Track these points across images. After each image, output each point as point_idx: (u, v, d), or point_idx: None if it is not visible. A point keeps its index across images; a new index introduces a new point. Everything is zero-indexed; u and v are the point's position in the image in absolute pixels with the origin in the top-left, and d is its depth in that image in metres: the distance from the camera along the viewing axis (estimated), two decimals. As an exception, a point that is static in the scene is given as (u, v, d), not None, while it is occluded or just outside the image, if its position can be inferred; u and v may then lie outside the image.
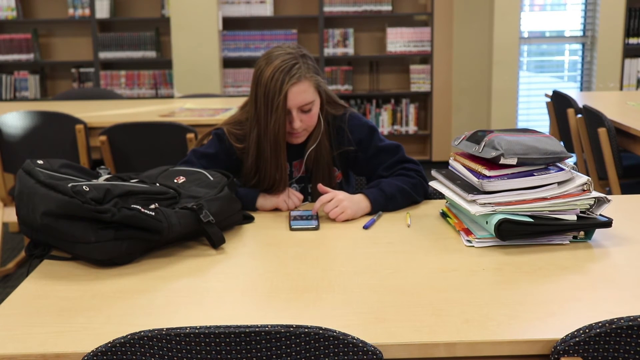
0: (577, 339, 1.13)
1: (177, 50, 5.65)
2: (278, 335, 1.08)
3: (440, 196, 2.00)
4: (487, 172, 1.63)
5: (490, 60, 5.89)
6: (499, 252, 1.58)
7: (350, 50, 6.01)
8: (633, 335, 1.13)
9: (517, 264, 1.51)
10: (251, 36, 5.94)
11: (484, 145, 1.67)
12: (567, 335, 1.14)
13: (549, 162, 1.66)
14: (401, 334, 1.19)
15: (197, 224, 1.62)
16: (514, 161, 1.61)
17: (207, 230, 1.62)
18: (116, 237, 1.50)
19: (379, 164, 2.04)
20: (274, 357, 1.10)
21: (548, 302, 1.30)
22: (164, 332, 1.08)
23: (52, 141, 3.48)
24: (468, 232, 1.67)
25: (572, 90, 6.18)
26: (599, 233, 1.65)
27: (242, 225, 1.81)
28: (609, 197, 1.64)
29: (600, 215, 1.64)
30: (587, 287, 1.38)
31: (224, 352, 1.09)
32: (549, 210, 1.62)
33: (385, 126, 6.14)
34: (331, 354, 1.10)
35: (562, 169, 1.66)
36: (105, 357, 1.08)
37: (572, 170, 1.67)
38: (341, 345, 1.09)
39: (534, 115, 6.23)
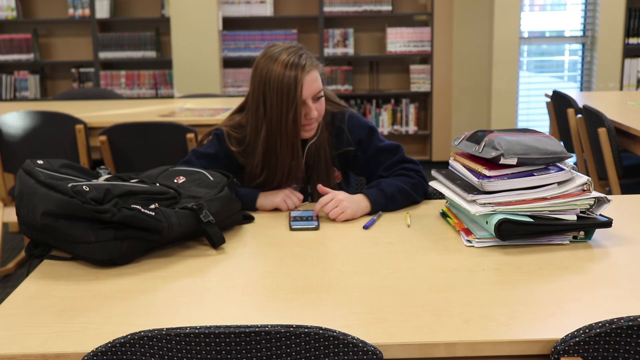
0: (577, 339, 1.13)
1: (177, 50, 5.65)
2: (278, 335, 1.08)
3: (440, 196, 2.00)
4: (487, 172, 1.63)
5: (490, 60, 5.89)
6: (499, 252, 1.58)
7: (350, 50, 6.01)
8: (633, 335, 1.13)
9: (517, 264, 1.51)
10: (251, 36, 5.94)
11: (484, 145, 1.67)
12: (567, 335, 1.14)
13: (549, 162, 1.66)
14: (401, 334, 1.19)
15: (197, 224, 1.62)
16: (514, 161, 1.61)
17: (207, 230, 1.62)
18: (116, 237, 1.50)
19: (379, 164, 2.04)
20: (274, 357, 1.10)
21: (548, 302, 1.30)
22: (164, 332, 1.08)
23: (52, 141, 3.48)
24: (468, 232, 1.67)
25: (572, 90, 6.18)
26: (599, 233, 1.65)
27: (242, 225, 1.81)
28: (609, 197, 1.64)
29: (600, 215, 1.64)
30: (587, 287, 1.38)
31: (224, 352, 1.09)
32: (549, 210, 1.62)
33: (385, 126, 6.14)
34: (331, 354, 1.10)
35: (562, 169, 1.66)
36: (105, 357, 1.08)
37: (572, 170, 1.67)
38: (341, 345, 1.09)
39: (534, 115, 6.23)
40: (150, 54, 5.92)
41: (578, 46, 6.18)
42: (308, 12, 6.00)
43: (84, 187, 1.51)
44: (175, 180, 1.79)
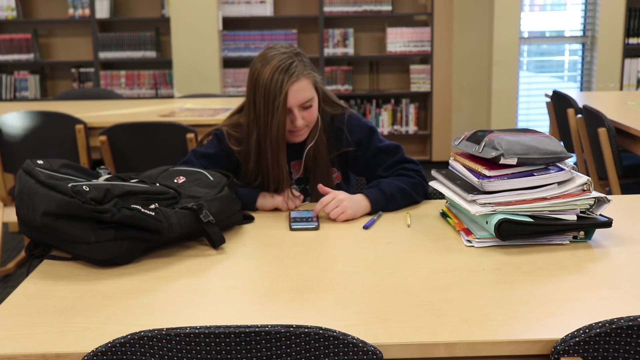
0: (577, 339, 1.13)
1: (177, 50, 5.65)
2: (278, 335, 1.08)
3: (440, 196, 2.00)
4: (487, 172, 1.63)
5: (490, 60, 5.89)
6: (499, 252, 1.58)
7: (350, 50, 6.01)
8: (633, 335, 1.13)
9: (517, 264, 1.51)
10: (251, 36, 5.94)
11: (484, 145, 1.67)
12: (567, 335, 1.14)
13: (549, 162, 1.66)
14: (401, 334, 1.19)
15: (197, 224, 1.62)
16: (514, 161, 1.61)
17: (207, 230, 1.62)
18: (116, 237, 1.50)
19: (379, 165, 2.04)
20: (274, 357, 1.10)
21: (548, 302, 1.30)
22: (164, 332, 1.08)
23: (52, 141, 3.48)
24: (468, 232, 1.67)
25: (572, 90, 6.18)
26: (599, 233, 1.65)
27: (242, 225, 1.81)
28: (609, 197, 1.64)
29: (600, 215, 1.64)
30: (587, 287, 1.38)
31: (224, 352, 1.09)
32: (549, 210, 1.62)
33: (385, 126, 6.14)
34: (331, 354, 1.10)
35: (562, 169, 1.66)
36: (105, 357, 1.08)
37: (572, 170, 1.67)
38: (341, 345, 1.09)
39: (534, 115, 6.23)
40: (150, 54, 5.92)
41: (578, 46, 6.18)
42: (308, 12, 6.01)
43: (84, 187, 1.51)
44: (175, 180, 1.79)
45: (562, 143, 3.26)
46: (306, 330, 1.08)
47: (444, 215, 1.84)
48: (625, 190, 3.43)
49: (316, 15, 5.92)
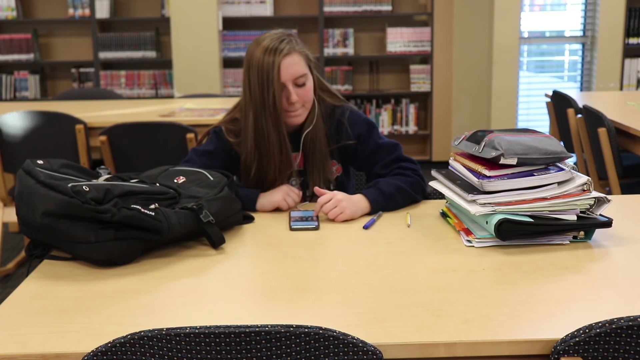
0: (577, 339, 1.13)
1: (177, 50, 5.65)
2: (278, 335, 1.08)
3: (440, 196, 2.00)
4: (487, 172, 1.63)
5: (490, 60, 5.89)
6: (499, 252, 1.58)
7: (350, 50, 6.01)
8: (633, 335, 1.13)
9: (517, 264, 1.51)
10: (251, 36, 5.94)
11: (484, 145, 1.67)
12: (567, 335, 1.14)
13: (549, 162, 1.66)
14: (401, 334, 1.19)
15: (197, 224, 1.62)
16: (514, 161, 1.61)
17: (207, 230, 1.62)
18: (116, 237, 1.50)
19: (377, 162, 2.05)
20: (274, 357, 1.10)
21: (548, 302, 1.30)
22: (164, 332, 1.08)
23: (52, 141, 3.48)
24: (468, 232, 1.67)
25: (572, 90, 6.18)
26: (599, 233, 1.65)
27: (242, 225, 1.81)
28: (609, 197, 1.64)
29: (600, 215, 1.64)
30: (587, 287, 1.38)
31: (224, 352, 1.09)
32: (549, 210, 1.62)
33: (385, 126, 6.14)
34: (331, 354, 1.10)
35: (562, 169, 1.66)
36: (105, 357, 1.08)
37: (572, 170, 1.67)
38: (341, 345, 1.09)
39: (534, 115, 6.23)
40: (150, 54, 5.92)
41: (578, 46, 6.18)
42: (308, 12, 6.00)
43: (83, 187, 1.51)
44: (175, 180, 1.79)
45: (562, 143, 3.26)
46: (306, 330, 1.08)
47: (444, 215, 1.84)
48: (625, 190, 3.43)
49: (316, 15, 5.92)
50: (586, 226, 1.62)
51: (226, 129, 2.06)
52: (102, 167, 1.78)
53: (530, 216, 1.61)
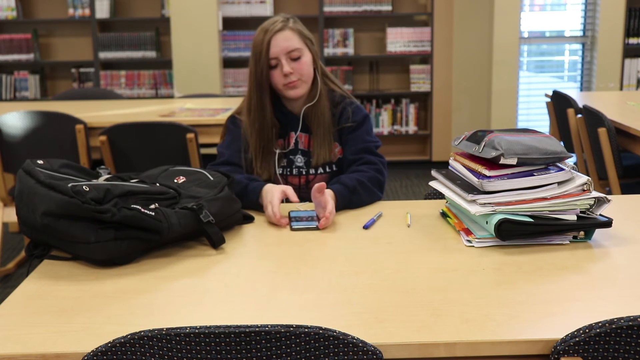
0: (577, 339, 1.13)
1: (177, 50, 5.65)
2: (278, 335, 1.08)
3: (440, 196, 2.00)
4: (487, 172, 1.63)
5: (490, 60, 5.89)
6: (499, 252, 1.58)
7: (350, 50, 6.01)
8: (633, 335, 1.13)
9: (517, 264, 1.51)
10: (251, 36, 5.91)
11: (484, 145, 1.67)
12: (567, 335, 1.14)
13: (549, 162, 1.66)
14: (401, 334, 1.19)
15: (197, 224, 1.62)
16: (514, 161, 1.61)
17: (207, 230, 1.62)
18: (116, 237, 1.50)
19: (352, 146, 2.13)
20: (274, 357, 1.10)
21: (548, 302, 1.30)
22: (164, 332, 1.08)
23: (52, 141, 3.48)
24: (468, 232, 1.67)
25: (572, 90, 6.18)
26: (599, 233, 1.65)
27: (242, 225, 1.81)
28: (609, 197, 1.64)
29: (600, 215, 1.64)
30: (587, 287, 1.38)
31: (224, 352, 1.09)
32: (549, 210, 1.62)
33: (385, 126, 6.14)
34: (331, 354, 1.10)
35: (562, 169, 1.66)
36: (105, 357, 1.08)
37: (572, 170, 1.67)
38: (341, 345, 1.09)
39: (534, 115, 6.23)
40: (150, 54, 5.93)
41: (578, 46, 6.18)
42: (308, 12, 6.01)
43: (84, 187, 1.51)
44: (175, 180, 1.79)
45: (562, 143, 3.26)
46: (306, 330, 1.08)
47: (444, 215, 1.84)
48: (625, 190, 3.43)
49: (316, 15, 5.92)
50: (586, 226, 1.62)
51: (237, 113, 2.19)
52: (102, 167, 1.78)
53: (530, 216, 1.61)
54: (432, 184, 1.89)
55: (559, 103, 4.17)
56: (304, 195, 2.16)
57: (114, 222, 1.50)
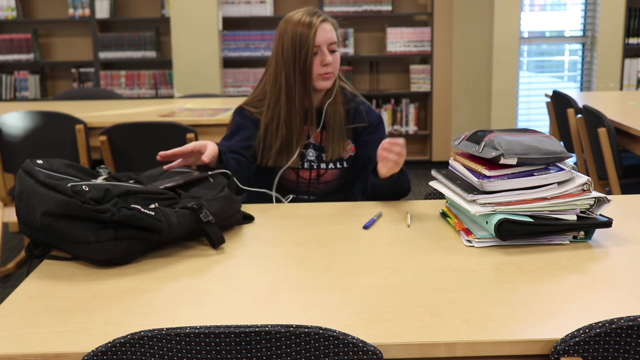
0: (577, 339, 1.13)
1: (177, 50, 5.65)
2: (278, 335, 1.08)
3: (440, 196, 2.00)
4: (487, 172, 1.63)
5: (490, 60, 5.89)
6: (499, 252, 1.58)
7: (350, 50, 6.01)
8: (633, 335, 1.13)
9: (517, 264, 1.51)
10: (251, 36, 5.94)
11: (483, 145, 1.67)
12: (567, 335, 1.14)
13: (549, 162, 1.66)
14: (401, 334, 1.19)
15: (197, 224, 1.62)
16: (514, 161, 1.61)
17: (207, 230, 1.62)
18: (116, 237, 1.50)
19: (374, 148, 2.11)
20: (274, 357, 1.10)
21: (548, 302, 1.30)
22: (164, 332, 1.08)
23: (52, 141, 3.48)
24: (468, 232, 1.67)
25: (572, 90, 6.19)
26: (599, 233, 1.65)
27: (242, 225, 1.81)
28: (609, 197, 1.64)
29: (600, 215, 1.64)
30: (587, 287, 1.38)
31: (224, 352, 1.09)
32: (549, 210, 1.62)
33: (385, 126, 6.14)
34: (331, 354, 1.10)
35: (562, 169, 1.66)
36: (105, 357, 1.08)
37: (572, 170, 1.67)
38: (341, 345, 1.09)
39: (534, 115, 6.23)
40: (150, 54, 5.92)
41: (578, 46, 6.18)
42: (308, 12, 5.99)
43: (83, 187, 1.51)
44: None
45: (562, 143, 3.26)
46: (306, 330, 1.08)
47: (444, 215, 1.84)
48: (625, 190, 3.43)
49: (316, 15, 5.91)
50: (586, 226, 1.62)
51: (245, 104, 2.20)
52: (102, 166, 1.78)
53: (530, 216, 1.61)
54: (432, 184, 1.89)
55: (559, 103, 4.17)
56: (314, 189, 2.18)
57: (113, 222, 1.49)
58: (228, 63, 5.96)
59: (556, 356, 1.13)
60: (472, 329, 1.20)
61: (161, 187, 1.71)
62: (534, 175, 1.63)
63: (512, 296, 1.33)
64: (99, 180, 1.67)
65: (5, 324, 1.26)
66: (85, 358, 1.09)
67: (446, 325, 1.21)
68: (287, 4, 6.05)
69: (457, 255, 1.57)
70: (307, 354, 1.10)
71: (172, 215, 1.58)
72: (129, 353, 1.09)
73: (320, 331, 1.09)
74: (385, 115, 6.14)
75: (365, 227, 1.78)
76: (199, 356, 1.09)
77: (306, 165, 2.18)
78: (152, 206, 1.56)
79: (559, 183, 1.65)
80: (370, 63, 6.15)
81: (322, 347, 1.09)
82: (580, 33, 6.12)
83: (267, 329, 1.08)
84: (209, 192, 1.73)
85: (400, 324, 1.22)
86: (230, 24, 5.93)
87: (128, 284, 1.44)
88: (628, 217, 1.81)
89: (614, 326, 1.13)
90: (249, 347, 1.08)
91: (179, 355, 1.09)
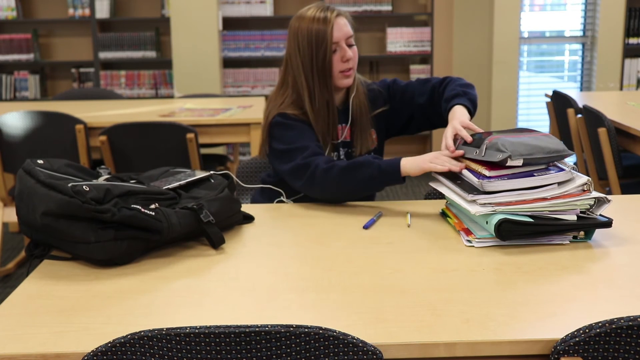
0: (577, 339, 1.13)
1: (177, 50, 5.65)
2: (278, 335, 1.08)
3: (440, 196, 2.00)
4: (487, 173, 1.63)
5: (490, 60, 5.89)
6: (499, 252, 1.58)
7: (350, 50, 6.00)
8: (633, 335, 1.13)
9: (517, 264, 1.51)
10: (251, 36, 5.94)
11: (485, 149, 1.67)
12: (567, 335, 1.14)
13: (553, 161, 1.66)
14: (401, 334, 1.19)
15: (197, 224, 1.62)
16: (520, 162, 1.61)
17: (207, 230, 1.62)
18: (116, 237, 1.50)
19: (414, 95, 2.14)
20: (274, 357, 1.10)
21: (548, 302, 1.30)
22: (164, 332, 1.08)
23: (52, 141, 3.48)
24: (468, 232, 1.67)
25: (572, 90, 6.18)
26: (599, 233, 1.65)
27: (242, 225, 1.81)
28: (609, 197, 1.64)
29: (600, 215, 1.64)
30: (587, 287, 1.38)
31: (224, 352, 1.09)
32: (549, 211, 1.62)
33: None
34: (331, 354, 1.10)
35: (562, 169, 1.66)
36: (105, 357, 1.08)
37: (572, 171, 1.67)
38: (341, 345, 1.09)
39: (534, 115, 6.23)
40: (150, 54, 5.92)
41: (578, 46, 6.18)
42: (308, 12, 5.99)
43: (84, 187, 1.51)
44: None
45: (562, 143, 3.26)
46: (306, 330, 1.08)
47: (444, 215, 1.84)
48: (625, 190, 3.43)
49: (316, 15, 5.91)
50: (586, 226, 1.62)
51: (286, 108, 2.04)
52: (103, 166, 1.78)
53: (530, 216, 1.61)
54: (432, 184, 1.89)
55: (559, 103, 4.17)
56: None
57: (114, 222, 1.50)
58: (228, 63, 5.96)
59: (556, 356, 1.13)
60: (472, 329, 1.20)
61: (162, 187, 1.71)
62: (534, 176, 1.63)
63: (512, 296, 1.33)
64: (100, 181, 1.67)
65: (5, 324, 1.26)
66: (85, 358, 1.09)
67: (446, 325, 1.21)
68: (287, 4, 6.05)
69: (457, 255, 1.57)
70: (307, 354, 1.10)
71: (172, 216, 1.58)
72: (129, 353, 1.09)
73: (320, 331, 1.09)
74: (385, 115, 6.14)
75: (365, 227, 1.78)
76: (199, 356, 1.09)
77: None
78: (153, 206, 1.57)
79: (559, 183, 1.64)
80: (370, 63, 6.15)
81: (322, 347, 1.09)
82: (580, 33, 6.12)
83: (267, 329, 1.08)
84: (209, 193, 1.73)
85: (400, 324, 1.22)
86: (230, 24, 5.93)
87: (128, 284, 1.44)
88: (628, 217, 1.81)
89: (614, 326, 1.13)
90: (249, 347, 1.08)
91: (179, 355, 1.09)
